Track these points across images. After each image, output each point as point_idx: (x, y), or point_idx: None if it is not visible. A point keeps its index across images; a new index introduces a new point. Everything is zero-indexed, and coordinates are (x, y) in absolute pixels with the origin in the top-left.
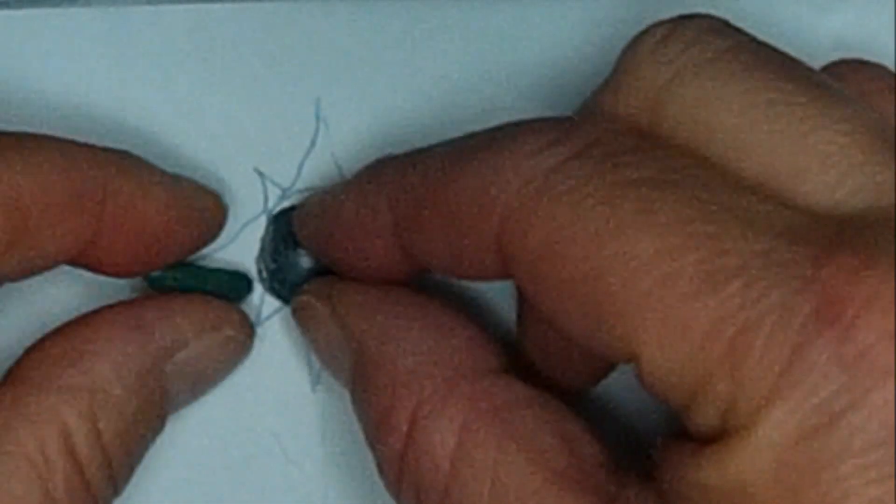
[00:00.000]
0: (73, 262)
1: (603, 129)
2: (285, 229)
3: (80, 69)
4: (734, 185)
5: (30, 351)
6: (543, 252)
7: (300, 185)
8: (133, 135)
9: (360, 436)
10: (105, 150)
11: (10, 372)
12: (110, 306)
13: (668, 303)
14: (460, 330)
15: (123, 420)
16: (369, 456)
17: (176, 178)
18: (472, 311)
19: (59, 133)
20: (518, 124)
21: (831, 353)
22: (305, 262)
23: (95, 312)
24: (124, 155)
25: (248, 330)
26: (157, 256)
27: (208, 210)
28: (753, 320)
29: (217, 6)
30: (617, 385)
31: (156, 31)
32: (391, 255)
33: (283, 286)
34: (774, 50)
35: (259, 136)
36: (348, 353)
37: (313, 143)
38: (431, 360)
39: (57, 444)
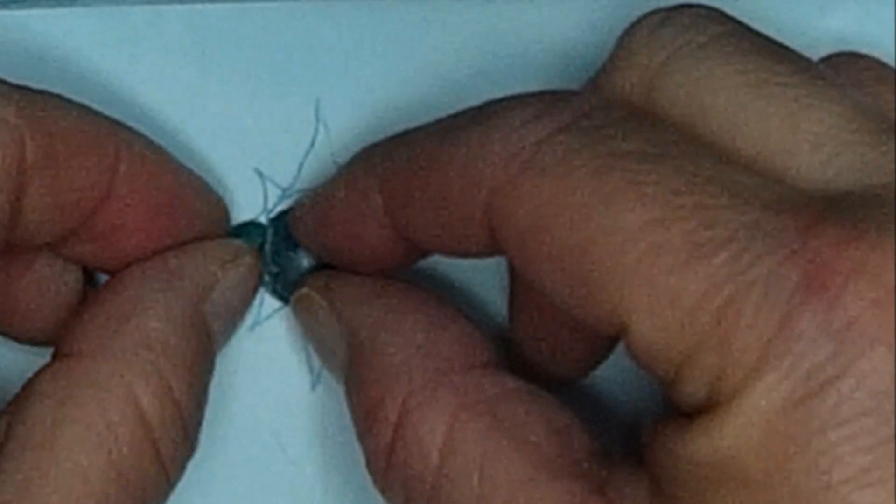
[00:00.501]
0: (81, 238)
1: (589, 103)
2: (284, 232)
3: (80, 69)
4: (722, 159)
5: (72, 323)
6: (531, 225)
7: (300, 185)
8: None
9: None
10: (118, 121)
11: (60, 347)
12: (135, 265)
13: (656, 273)
14: (453, 324)
15: (186, 368)
16: None
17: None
18: (466, 306)
19: None
20: (504, 99)
21: (819, 322)
22: (306, 262)
23: (123, 274)
24: (135, 130)
25: (257, 258)
26: (158, 235)
27: (211, 202)
28: (741, 290)
29: (217, 6)
30: (607, 376)
31: (156, 31)
32: (384, 238)
33: (287, 289)
34: (766, 37)
35: (259, 137)
36: (344, 345)
37: (313, 144)
38: (423, 352)
39: (122, 408)
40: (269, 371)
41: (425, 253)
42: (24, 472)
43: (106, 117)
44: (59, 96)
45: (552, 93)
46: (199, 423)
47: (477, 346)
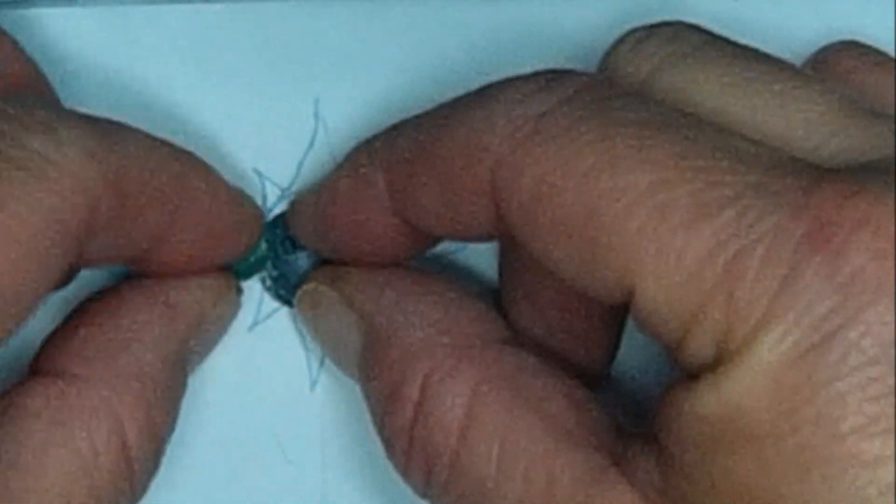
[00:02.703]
0: (133, 261)
1: (591, 77)
2: (282, 234)
3: (79, 69)
4: (725, 130)
5: (61, 338)
6: (536, 193)
7: (299, 185)
8: None
9: (359, 435)
10: (176, 147)
11: (46, 361)
12: (134, 286)
13: (662, 233)
14: (468, 303)
15: (167, 401)
16: (368, 455)
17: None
18: None
19: None
20: (506, 78)
21: (824, 275)
22: (306, 263)
23: (122, 294)
24: (191, 154)
25: (239, 294)
26: (209, 258)
27: (251, 219)
28: (747, 246)
29: (217, 6)
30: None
31: (156, 31)
32: (389, 227)
33: (288, 291)
34: (744, 45)
35: (258, 136)
36: (357, 333)
37: (312, 143)
38: (441, 330)
39: (108, 437)
40: (268, 371)
41: (430, 241)
42: (10, 491)
43: (168, 151)
44: (131, 131)
45: (552, 70)
46: (164, 450)
47: (494, 323)
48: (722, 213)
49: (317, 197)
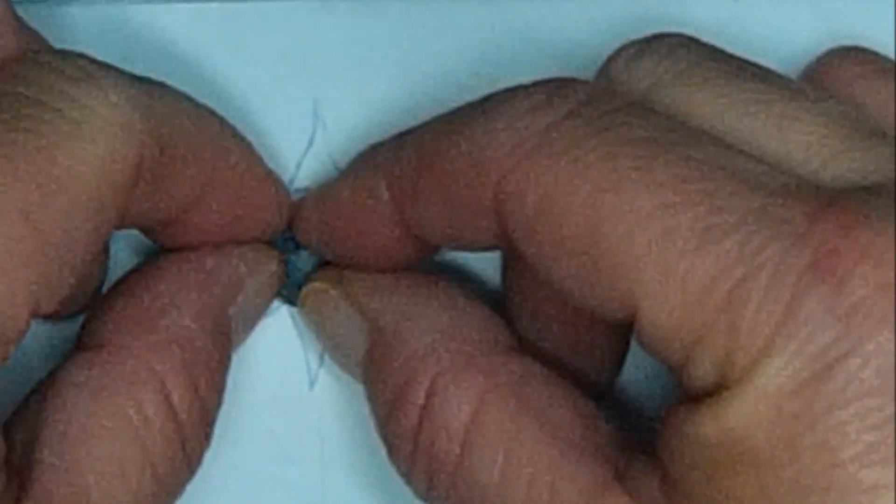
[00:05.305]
0: (168, 225)
1: (594, 89)
2: (286, 233)
3: None
4: (728, 148)
5: (101, 312)
6: (541, 209)
7: (298, 184)
8: None
9: (358, 434)
10: (214, 111)
11: (88, 336)
12: (169, 257)
13: (666, 256)
14: (475, 309)
15: (210, 368)
16: (367, 454)
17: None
18: None
19: None
20: (508, 90)
21: (826, 305)
22: (309, 262)
23: (158, 265)
24: (227, 121)
25: (281, 265)
26: (231, 231)
27: (281, 200)
28: (750, 273)
29: (216, 6)
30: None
31: (155, 31)
32: (392, 236)
33: (291, 290)
34: (743, 59)
35: (257, 136)
36: (362, 335)
37: (311, 143)
38: (448, 335)
39: (155, 402)
40: (267, 370)
41: (433, 249)
42: (64, 462)
43: (207, 114)
44: (169, 89)
45: (556, 80)
46: (215, 420)
47: (501, 330)
48: (726, 238)
49: (320, 203)
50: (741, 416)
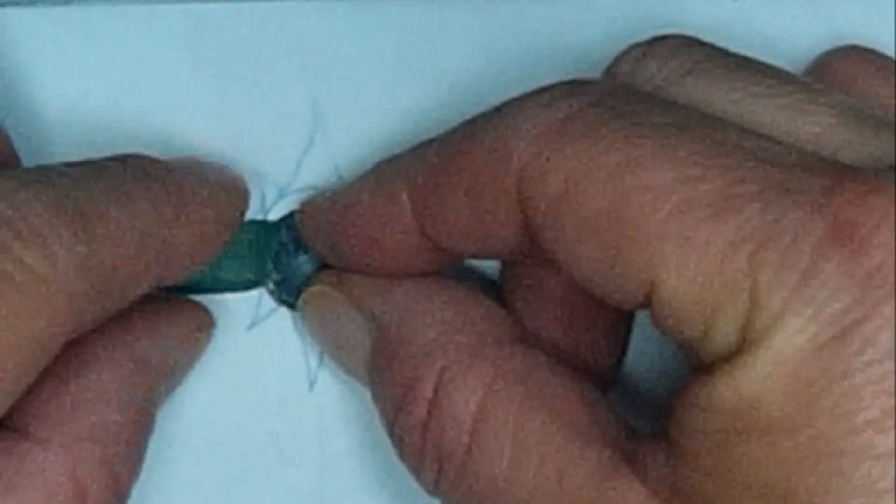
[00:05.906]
0: None
1: (614, 84)
2: (286, 237)
3: (79, 69)
4: (746, 130)
5: (28, 394)
6: (562, 193)
7: (298, 184)
8: (131, 134)
9: (358, 435)
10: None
11: (12, 417)
12: (101, 339)
13: (686, 226)
14: (479, 301)
15: (135, 457)
16: (366, 455)
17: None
18: None
19: (57, 132)
20: (527, 92)
21: (844, 270)
22: (309, 266)
23: (89, 348)
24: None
25: (211, 325)
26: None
27: (233, 200)
28: (769, 240)
29: (216, 6)
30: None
31: (155, 31)
32: (409, 245)
33: (291, 294)
34: (746, 57)
35: (257, 136)
36: (365, 336)
37: (311, 143)
38: (454, 329)
39: (69, 499)
40: (267, 371)
41: (445, 261)
42: None
43: (144, 185)
44: (102, 186)
45: (575, 80)
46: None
47: (506, 322)
48: (745, 207)
49: (331, 206)
50: (757, 380)
